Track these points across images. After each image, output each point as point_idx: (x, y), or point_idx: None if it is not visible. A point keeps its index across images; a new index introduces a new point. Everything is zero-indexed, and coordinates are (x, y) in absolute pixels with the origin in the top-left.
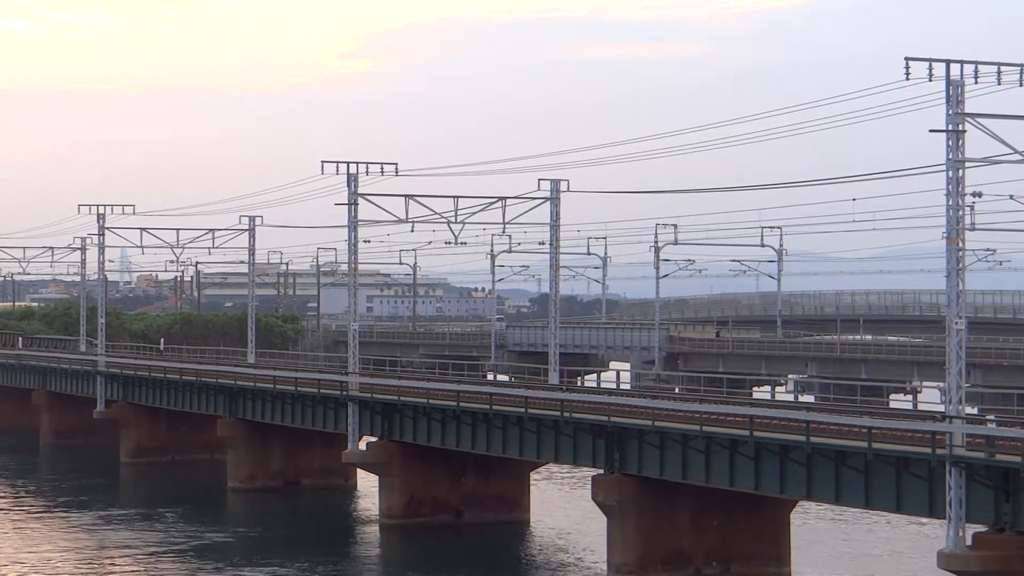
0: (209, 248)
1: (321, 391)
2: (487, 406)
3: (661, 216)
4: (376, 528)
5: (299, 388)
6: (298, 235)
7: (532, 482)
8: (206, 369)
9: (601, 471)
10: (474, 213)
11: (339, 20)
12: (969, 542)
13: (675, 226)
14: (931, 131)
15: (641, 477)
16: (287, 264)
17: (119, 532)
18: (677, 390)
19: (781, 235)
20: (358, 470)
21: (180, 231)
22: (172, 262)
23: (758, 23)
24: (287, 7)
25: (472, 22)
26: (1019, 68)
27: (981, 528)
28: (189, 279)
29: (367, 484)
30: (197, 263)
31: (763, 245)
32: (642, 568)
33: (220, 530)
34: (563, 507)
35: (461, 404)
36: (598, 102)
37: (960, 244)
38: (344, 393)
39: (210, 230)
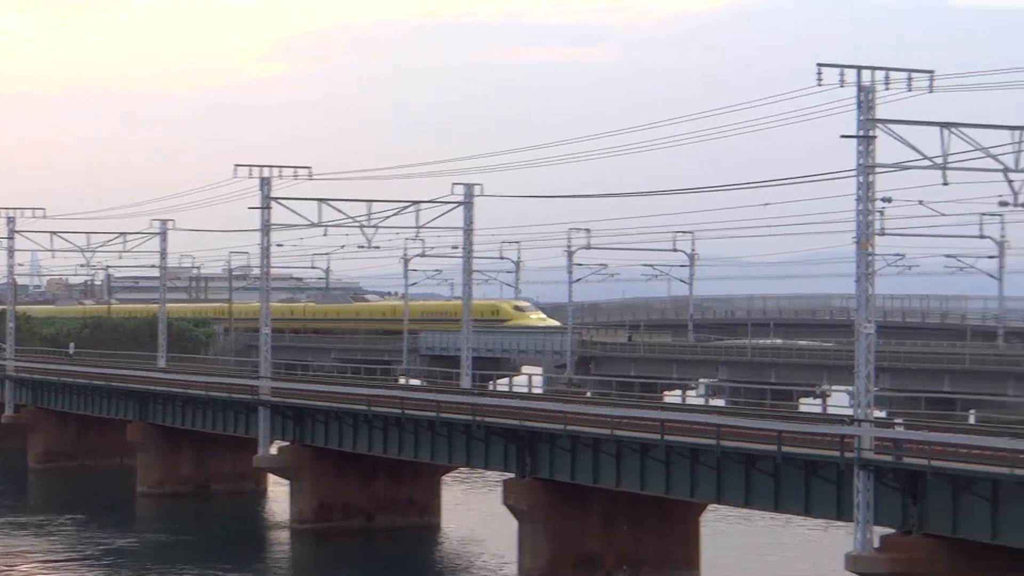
0: (120, 252)
1: (232, 395)
2: (399, 410)
3: (575, 220)
4: (287, 533)
5: (210, 392)
6: (211, 239)
7: (444, 486)
8: (116, 374)
9: (513, 475)
10: (387, 217)
11: (253, 23)
12: (877, 544)
13: (588, 231)
14: (842, 136)
15: (552, 481)
16: (199, 268)
17: (25, 538)
18: (589, 394)
19: (693, 240)
20: (269, 475)
21: (91, 235)
22: (83, 266)
23: (677, 28)
24: (201, 10)
25: (389, 25)
26: (929, 75)
27: (889, 531)
28: (100, 283)
29: (278, 489)
30: (108, 267)
31: (675, 250)
32: (552, 572)
33: (129, 536)
34: (475, 511)
35: (372, 408)
36: (514, 106)
37: (870, 248)
38: (255, 397)
39: (121, 234)
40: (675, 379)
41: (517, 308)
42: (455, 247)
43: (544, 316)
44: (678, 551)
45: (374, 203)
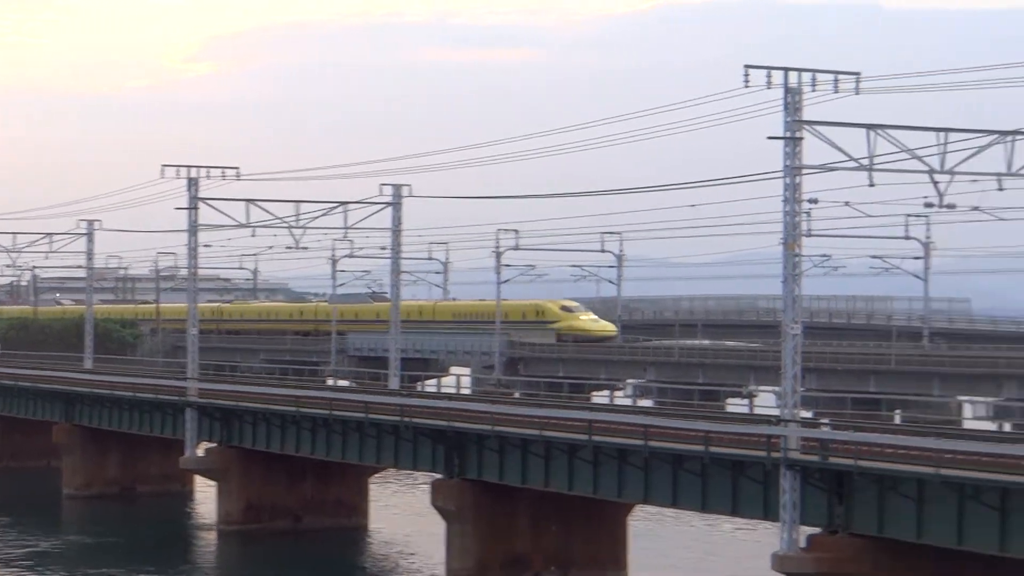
0: (46, 253)
1: (159, 397)
2: (327, 411)
3: (504, 221)
4: (214, 535)
5: (137, 394)
6: (138, 240)
7: (373, 487)
8: (42, 375)
9: (441, 476)
10: (316, 218)
11: (182, 23)
12: (804, 544)
13: (517, 231)
14: (769, 138)
15: (481, 482)
16: (126, 269)
17: None
18: (517, 395)
19: (621, 241)
20: (196, 476)
21: (17, 235)
22: (8, 267)
23: (603, 29)
24: (129, 10)
25: (319, 25)
26: (855, 77)
27: (816, 530)
28: (26, 284)
29: (205, 490)
30: (34, 268)
31: (603, 251)
32: (480, 573)
33: (53, 538)
34: (403, 512)
35: (301, 409)
36: (442, 107)
37: (797, 249)
38: (182, 399)
39: (48, 234)
40: (603, 380)
41: (565, 309)
42: (384, 248)
43: (596, 318)
44: (606, 551)
45: (302, 204)
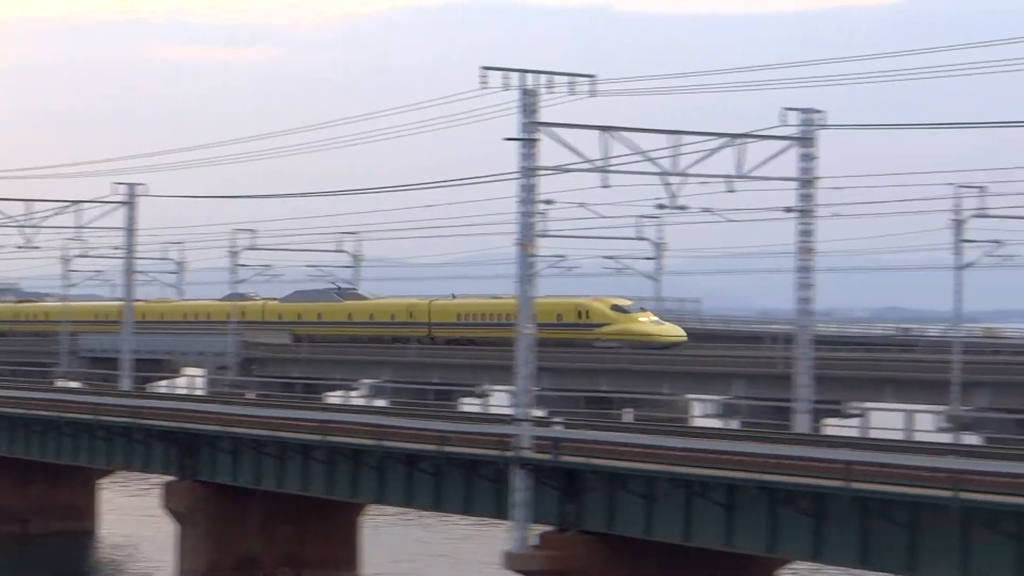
0: None
1: None
2: (56, 413)
3: (241, 221)
4: None
5: None
6: None
7: (104, 490)
8: None
9: (174, 478)
10: (47, 217)
11: None
12: (536, 542)
13: (253, 231)
14: (505, 139)
15: (214, 484)
16: None
17: None
18: (252, 396)
19: (358, 241)
20: None
21: None
22: None
23: (345, 29)
24: None
25: (52, 20)
26: (591, 79)
27: (550, 528)
28: None
29: None
30: None
31: (340, 251)
32: (211, 575)
33: None
34: (134, 515)
35: (29, 412)
36: (179, 105)
37: (532, 250)
38: None
39: None
40: (338, 380)
41: (618, 309)
42: (117, 248)
43: (657, 319)
44: (339, 552)
45: (34, 203)
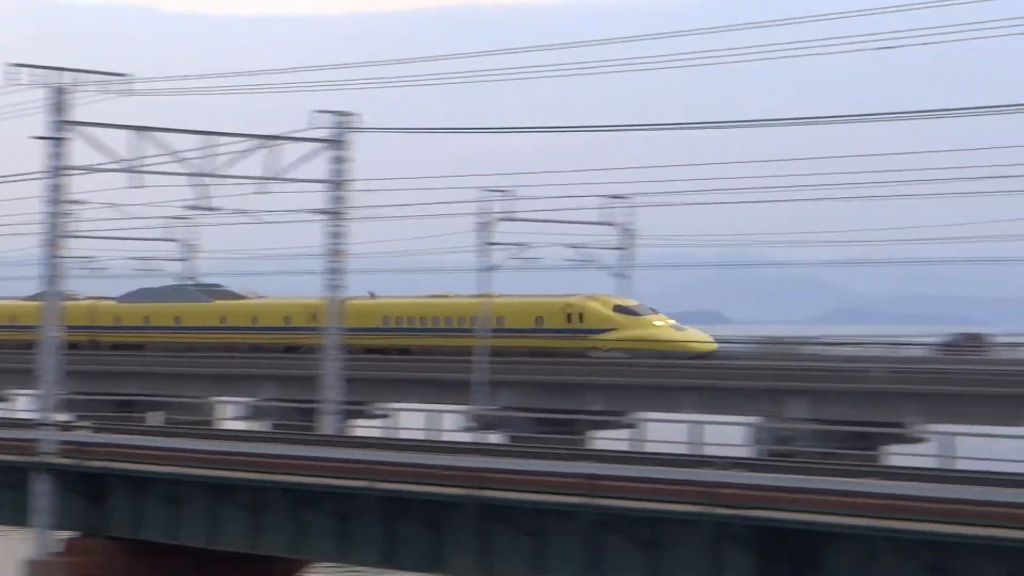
0: None
1: None
2: None
3: None
4: None
5: None
6: None
7: None
8: None
9: None
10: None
11: None
12: (60, 549)
13: None
14: (33, 138)
15: None
16: None
17: None
18: None
19: None
20: None
21: None
22: None
23: None
24: None
25: None
26: (126, 79)
27: (76, 535)
28: None
29: None
30: None
31: None
32: None
33: None
34: None
35: None
36: None
37: (59, 251)
38: None
39: None
40: None
41: (622, 310)
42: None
43: (674, 322)
44: None
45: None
